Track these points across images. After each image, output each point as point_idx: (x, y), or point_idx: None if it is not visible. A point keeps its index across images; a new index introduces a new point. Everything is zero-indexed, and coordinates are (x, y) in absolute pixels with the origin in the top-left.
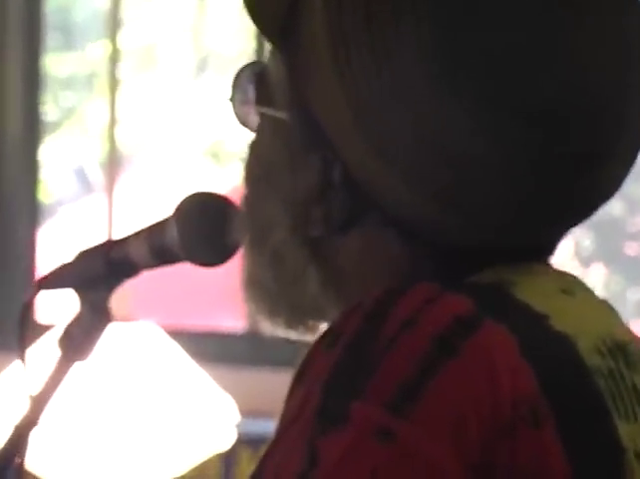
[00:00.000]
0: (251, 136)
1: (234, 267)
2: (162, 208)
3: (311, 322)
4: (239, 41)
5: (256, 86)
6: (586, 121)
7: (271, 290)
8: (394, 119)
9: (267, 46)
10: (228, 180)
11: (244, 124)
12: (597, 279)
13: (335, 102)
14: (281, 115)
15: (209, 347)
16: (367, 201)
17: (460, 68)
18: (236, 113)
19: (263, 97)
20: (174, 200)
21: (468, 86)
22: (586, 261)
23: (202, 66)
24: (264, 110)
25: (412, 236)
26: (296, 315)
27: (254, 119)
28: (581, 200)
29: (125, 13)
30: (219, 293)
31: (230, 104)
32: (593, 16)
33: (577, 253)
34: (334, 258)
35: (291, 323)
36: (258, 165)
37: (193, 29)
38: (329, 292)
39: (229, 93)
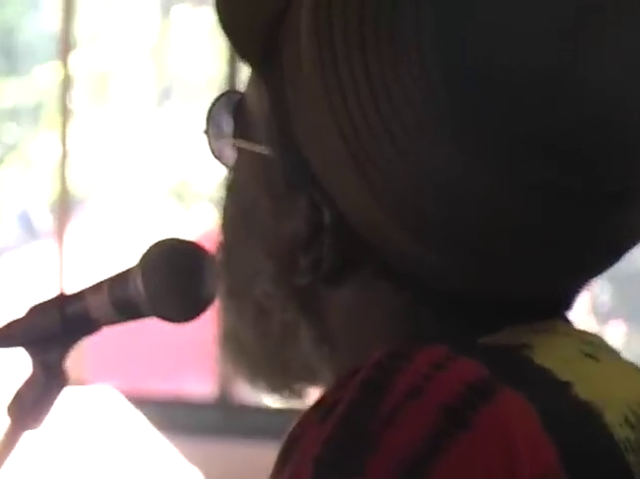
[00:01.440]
0: (226, 173)
1: (204, 324)
2: (120, 256)
3: (298, 386)
4: (208, 66)
5: (234, 117)
6: (612, 156)
7: (253, 349)
8: (391, 156)
9: (242, 72)
10: (196, 223)
11: (220, 160)
12: (616, 338)
13: (325, 135)
14: (263, 150)
15: (175, 415)
16: (360, 247)
17: (466, 100)
18: (211, 147)
19: (242, 130)
20: (135, 247)
21: (474, 121)
22: (604, 318)
23: (166, 94)
24: (243, 144)
25: (411, 288)
26: (282, 377)
27: (231, 154)
28: (605, 245)
29: (77, 34)
30: (186, 354)
31: (204, 137)
32: (614, 38)
33: (595, 309)
34: (326, 313)
35: (275, 386)
36: (235, 206)
37: (155, 52)
38: (322, 351)
39: (203, 125)
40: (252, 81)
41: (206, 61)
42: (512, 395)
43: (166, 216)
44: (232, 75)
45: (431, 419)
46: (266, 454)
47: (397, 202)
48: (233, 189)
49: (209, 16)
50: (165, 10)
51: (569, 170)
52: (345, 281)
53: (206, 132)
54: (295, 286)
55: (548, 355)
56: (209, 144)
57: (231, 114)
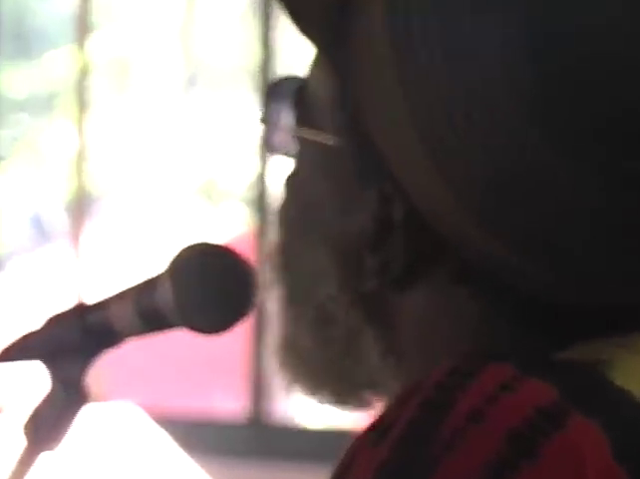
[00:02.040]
0: (287, 166)
1: (235, 337)
2: (142, 260)
3: (365, 394)
4: (238, 51)
5: (296, 104)
6: None
7: (314, 359)
8: (472, 150)
9: (278, 57)
10: (226, 225)
11: (279, 152)
12: None
13: (398, 123)
14: (329, 140)
15: (203, 435)
16: (434, 246)
17: (551, 84)
18: (269, 138)
19: (304, 118)
20: (158, 250)
21: (559, 106)
22: None
23: (192, 82)
24: (307, 134)
25: (490, 293)
26: (346, 388)
27: (292, 146)
28: None
29: (96, 17)
30: (216, 369)
31: (261, 127)
32: None
33: None
34: (393, 319)
35: (341, 394)
36: (297, 202)
37: (181, 36)
38: (388, 361)
39: (260, 114)
40: (317, 64)
41: (237, 45)
42: (584, 423)
43: (193, 216)
44: (267, 60)
45: (493, 446)
46: (302, 478)
47: (473, 192)
48: (294, 183)
49: None
50: None
51: None
52: (416, 285)
53: (263, 121)
54: (361, 290)
55: (628, 374)
56: (266, 134)
57: (292, 101)
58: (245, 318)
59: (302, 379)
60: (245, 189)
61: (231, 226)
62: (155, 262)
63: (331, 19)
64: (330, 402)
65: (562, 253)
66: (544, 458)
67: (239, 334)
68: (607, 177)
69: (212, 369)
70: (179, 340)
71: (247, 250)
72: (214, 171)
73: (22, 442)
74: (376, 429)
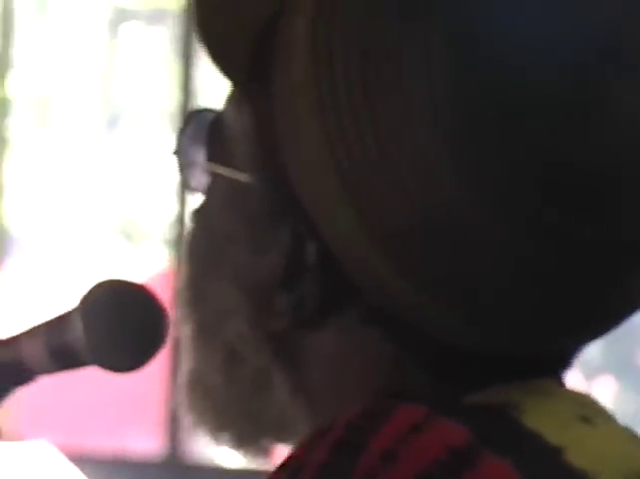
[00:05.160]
0: (196, 202)
1: (150, 375)
2: (60, 301)
3: (266, 441)
4: (160, 91)
5: (209, 139)
6: (631, 200)
7: (221, 396)
8: (388, 192)
9: (198, 99)
10: (146, 265)
11: (190, 186)
12: (606, 396)
13: (316, 163)
14: (242, 176)
15: (119, 474)
16: (347, 288)
17: (474, 136)
18: (181, 172)
19: (218, 153)
20: (76, 290)
21: (481, 157)
22: (592, 374)
23: (113, 122)
24: (220, 169)
25: (400, 337)
26: (250, 430)
27: (203, 180)
28: (615, 303)
29: (16, 53)
30: (132, 407)
31: (174, 160)
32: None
33: (582, 364)
34: (303, 359)
35: (242, 440)
36: (207, 238)
37: (102, 75)
38: (298, 403)
39: (173, 146)
40: (233, 99)
41: (158, 87)
42: (496, 461)
43: (113, 256)
44: (186, 102)
45: None
46: None
47: (390, 238)
48: (204, 219)
49: (162, 36)
50: (114, 28)
51: (584, 217)
52: (327, 326)
53: (176, 154)
54: (271, 329)
55: (539, 418)
56: (179, 168)
57: (207, 135)
58: (157, 356)
59: (206, 418)
60: (165, 229)
61: (151, 265)
62: (71, 302)
63: (249, 56)
64: (229, 445)
65: (481, 303)
66: None
67: (155, 372)
68: (531, 226)
69: (128, 407)
70: (95, 378)
71: (166, 290)
72: (134, 211)
73: None
74: (287, 470)
